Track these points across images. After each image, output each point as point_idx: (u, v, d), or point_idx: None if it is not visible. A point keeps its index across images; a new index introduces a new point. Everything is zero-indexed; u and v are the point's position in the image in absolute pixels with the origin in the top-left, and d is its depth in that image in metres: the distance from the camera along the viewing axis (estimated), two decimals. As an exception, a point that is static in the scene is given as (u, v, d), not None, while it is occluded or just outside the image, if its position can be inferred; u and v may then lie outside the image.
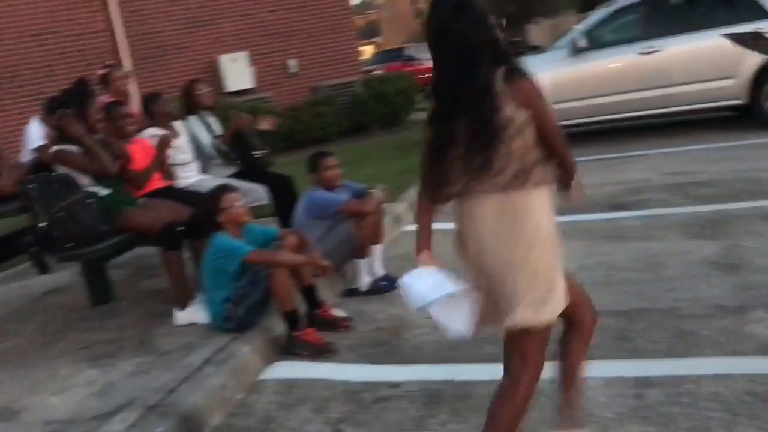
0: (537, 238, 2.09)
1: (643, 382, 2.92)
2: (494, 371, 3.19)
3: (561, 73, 8.51)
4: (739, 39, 3.65)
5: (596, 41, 8.54)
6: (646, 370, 3.02)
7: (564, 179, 2.21)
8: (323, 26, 13.07)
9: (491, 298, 2.17)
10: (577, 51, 8.47)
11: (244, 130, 5.27)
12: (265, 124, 5.41)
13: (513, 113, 2.02)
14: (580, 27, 9.08)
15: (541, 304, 2.09)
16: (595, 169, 7.32)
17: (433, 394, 3.08)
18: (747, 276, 3.89)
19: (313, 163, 4.53)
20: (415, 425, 2.87)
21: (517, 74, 2.06)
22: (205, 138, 5.20)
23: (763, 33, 3.58)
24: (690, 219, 5.07)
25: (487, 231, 2.11)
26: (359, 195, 4.52)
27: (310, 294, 3.93)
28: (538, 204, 2.11)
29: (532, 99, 2.05)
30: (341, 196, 4.46)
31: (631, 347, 3.26)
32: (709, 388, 2.80)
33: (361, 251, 4.46)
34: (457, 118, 2.10)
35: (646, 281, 4.03)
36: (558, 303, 2.13)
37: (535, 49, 12.68)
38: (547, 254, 2.11)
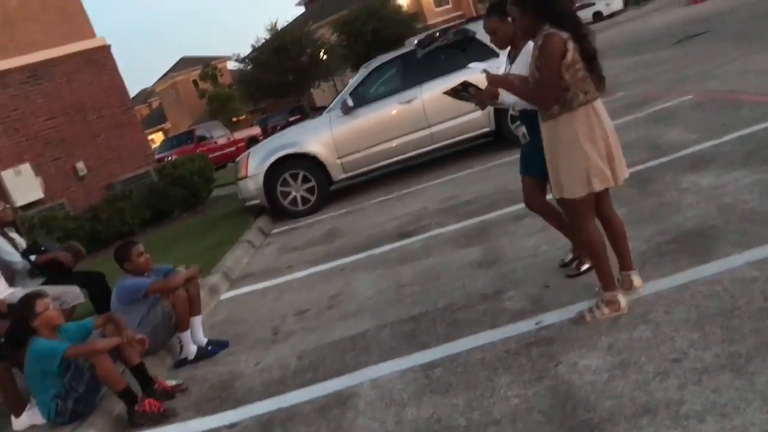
0: None
1: (429, 366, 3.64)
2: (314, 391, 3.78)
3: (339, 131, 9.47)
4: (452, 93, 4.24)
5: (362, 99, 9.60)
6: (432, 356, 3.75)
7: None
8: (106, 124, 13.18)
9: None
10: (347, 110, 9.46)
11: (67, 265, 5.52)
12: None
13: None
14: (346, 88, 10.12)
15: None
16: (382, 209, 8.25)
17: (266, 423, 3.59)
18: (502, 267, 4.82)
19: (121, 254, 4.87)
20: (254, 450, 3.36)
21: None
22: (13, 255, 5.34)
23: (471, 83, 4.01)
24: (459, 233, 6.04)
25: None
26: (167, 275, 4.92)
27: (140, 372, 4.26)
28: None
29: None
30: (147, 280, 4.83)
31: (419, 343, 3.99)
32: (476, 357, 3.58)
33: (181, 325, 4.84)
34: None
35: (427, 290, 4.83)
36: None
37: (320, 110, 13.61)
38: None
